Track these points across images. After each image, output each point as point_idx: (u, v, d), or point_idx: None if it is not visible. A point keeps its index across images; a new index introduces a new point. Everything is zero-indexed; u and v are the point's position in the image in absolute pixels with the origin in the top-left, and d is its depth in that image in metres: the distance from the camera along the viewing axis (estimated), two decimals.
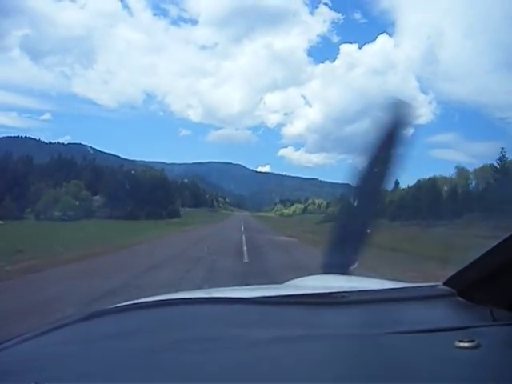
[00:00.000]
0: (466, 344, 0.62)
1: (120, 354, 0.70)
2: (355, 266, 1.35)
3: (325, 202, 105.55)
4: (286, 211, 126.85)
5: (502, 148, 33.24)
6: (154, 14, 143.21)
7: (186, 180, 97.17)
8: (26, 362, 0.70)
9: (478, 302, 0.81)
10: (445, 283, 0.91)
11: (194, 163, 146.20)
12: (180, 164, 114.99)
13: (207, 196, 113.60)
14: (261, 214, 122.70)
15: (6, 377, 0.62)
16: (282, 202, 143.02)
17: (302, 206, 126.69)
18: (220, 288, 1.38)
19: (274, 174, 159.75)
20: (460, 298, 0.86)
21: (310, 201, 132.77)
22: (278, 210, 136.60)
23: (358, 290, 0.97)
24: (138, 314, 0.92)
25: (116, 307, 0.95)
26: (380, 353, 0.67)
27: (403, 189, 43.36)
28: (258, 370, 0.60)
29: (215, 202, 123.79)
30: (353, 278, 1.30)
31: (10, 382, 0.61)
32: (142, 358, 0.66)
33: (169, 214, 48.81)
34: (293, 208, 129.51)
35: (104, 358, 0.67)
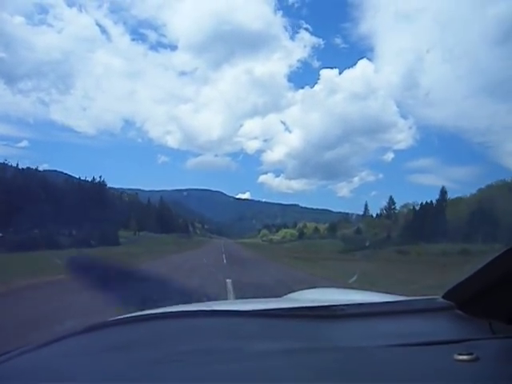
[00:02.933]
0: (464, 357, 0.62)
1: (120, 366, 0.69)
2: (354, 279, 1.12)
3: (324, 226, 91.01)
4: (274, 237, 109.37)
5: None
6: (133, 39, 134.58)
7: (156, 205, 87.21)
8: (27, 375, 0.69)
9: (477, 314, 0.81)
10: (443, 296, 0.91)
11: (173, 190, 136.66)
12: (158, 191, 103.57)
13: (180, 221, 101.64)
14: (244, 240, 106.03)
15: None
16: (267, 227, 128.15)
17: (293, 231, 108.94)
18: (220, 301, 1.22)
19: (254, 200, 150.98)
20: (459, 311, 0.86)
21: (300, 224, 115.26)
22: (263, 236, 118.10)
23: (356, 303, 0.98)
24: (138, 326, 0.91)
25: (116, 319, 0.94)
26: (379, 366, 0.65)
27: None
28: (258, 382, 0.59)
29: (191, 228, 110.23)
30: (351, 291, 1.33)
31: None
32: (142, 371, 0.65)
33: (103, 240, 30.57)
34: (281, 233, 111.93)
35: (104, 371, 0.67)
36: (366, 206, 73.07)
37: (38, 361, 0.76)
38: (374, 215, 67.48)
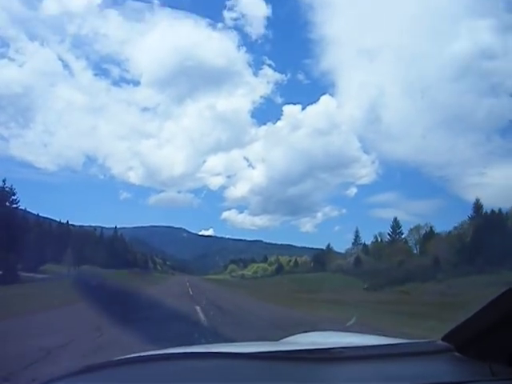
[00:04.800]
0: None
1: None
2: (352, 322, 1.26)
3: (304, 259, 79.32)
4: (246, 272, 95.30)
5: None
6: (95, 74, 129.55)
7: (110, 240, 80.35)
8: None
9: (477, 357, 0.80)
10: (443, 339, 0.89)
11: (135, 227, 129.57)
12: (120, 228, 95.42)
13: (138, 256, 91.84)
14: (211, 277, 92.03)
15: None
16: (234, 262, 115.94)
17: (264, 266, 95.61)
18: (220, 344, 1.42)
19: (217, 237, 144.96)
20: (458, 354, 0.84)
21: (272, 258, 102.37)
22: (232, 272, 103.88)
23: (355, 345, 0.97)
24: (135, 367, 0.91)
25: (115, 360, 0.93)
26: None
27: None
28: None
29: (151, 264, 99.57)
30: (350, 334, 1.31)
31: None
32: None
33: None
34: (252, 268, 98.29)
35: None
36: (356, 232, 61.88)
37: None
38: (365, 244, 60.90)
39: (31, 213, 57.00)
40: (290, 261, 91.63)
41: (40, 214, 65.58)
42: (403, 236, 53.74)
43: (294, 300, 20.56)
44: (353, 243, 61.20)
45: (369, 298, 25.36)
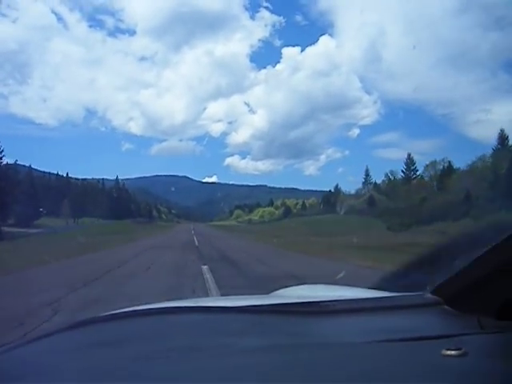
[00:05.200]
0: (453, 352, 0.62)
1: (107, 362, 0.69)
2: (341, 275, 1.29)
3: (310, 201, 77.28)
4: (253, 217, 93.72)
5: None
6: (90, 26, 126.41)
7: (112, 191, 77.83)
8: (12, 372, 0.68)
9: (465, 310, 0.81)
10: (432, 292, 0.90)
11: (138, 178, 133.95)
12: (123, 179, 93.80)
13: (142, 206, 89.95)
14: (216, 223, 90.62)
15: None
16: (239, 207, 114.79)
17: (271, 210, 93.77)
18: (208, 298, 1.29)
19: (220, 183, 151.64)
20: (447, 307, 0.85)
21: (278, 202, 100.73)
22: (238, 217, 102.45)
23: (345, 298, 1.00)
24: (125, 322, 0.91)
25: (104, 316, 0.94)
26: (367, 361, 0.66)
27: None
28: (246, 378, 0.60)
29: (155, 213, 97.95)
30: (339, 287, 1.32)
31: None
32: (129, 367, 0.65)
33: None
34: (259, 212, 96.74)
35: (91, 367, 0.66)
36: (366, 171, 58.97)
37: (25, 357, 0.75)
38: (376, 183, 58.55)
39: (24, 166, 54.53)
40: (297, 203, 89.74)
41: (36, 168, 64.01)
42: (418, 173, 50.98)
43: (312, 245, 17.71)
44: (363, 183, 58.80)
45: (398, 239, 22.48)
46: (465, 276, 0.80)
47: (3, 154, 39.22)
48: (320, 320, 0.86)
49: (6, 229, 30.99)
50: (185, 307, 0.98)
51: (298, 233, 32.17)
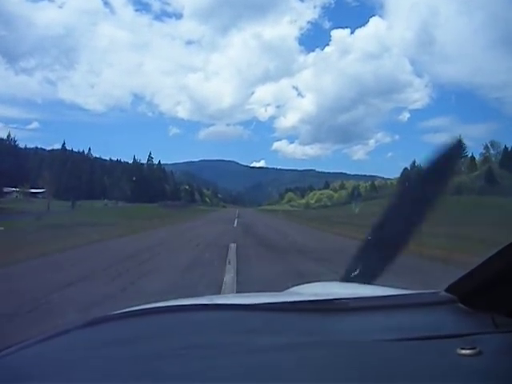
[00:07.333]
0: (467, 351, 0.61)
1: (121, 360, 0.69)
2: (356, 272, 1.32)
3: (379, 182, 63.92)
4: (311, 201, 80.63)
5: None
6: (136, 10, 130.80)
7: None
8: (28, 369, 0.69)
9: (480, 308, 0.81)
10: (446, 290, 0.90)
11: (186, 162, 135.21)
12: (171, 164, 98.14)
13: (186, 189, 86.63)
14: (266, 207, 78.58)
15: (8, 383, 0.62)
16: (291, 190, 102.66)
17: (330, 192, 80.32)
18: (222, 295, 1.32)
19: (268, 168, 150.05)
20: (461, 305, 0.85)
21: (335, 184, 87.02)
22: (291, 201, 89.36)
23: (359, 296, 0.98)
24: (139, 320, 0.91)
25: (118, 313, 0.94)
26: (381, 360, 0.65)
27: None
28: (260, 376, 0.59)
29: (197, 196, 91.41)
30: (354, 284, 1.30)
31: None
32: (143, 365, 0.65)
33: None
34: (315, 195, 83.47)
35: (105, 365, 0.67)
36: (460, 141, 46.33)
37: (40, 355, 0.75)
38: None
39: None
40: (359, 185, 75.43)
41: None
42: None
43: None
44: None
45: None
46: (479, 274, 0.79)
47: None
48: (335, 318, 0.84)
49: None
50: (199, 305, 0.98)
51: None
